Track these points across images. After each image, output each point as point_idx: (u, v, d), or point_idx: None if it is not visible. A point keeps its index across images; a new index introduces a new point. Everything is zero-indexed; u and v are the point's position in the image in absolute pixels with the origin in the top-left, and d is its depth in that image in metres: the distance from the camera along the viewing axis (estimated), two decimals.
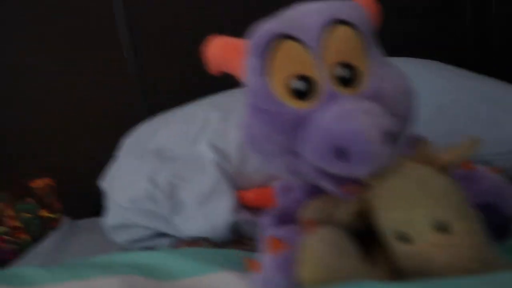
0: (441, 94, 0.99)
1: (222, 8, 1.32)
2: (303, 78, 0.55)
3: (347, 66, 0.56)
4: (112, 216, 0.92)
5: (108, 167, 1.18)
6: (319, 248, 0.51)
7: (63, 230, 1.21)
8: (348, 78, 0.56)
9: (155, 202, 0.86)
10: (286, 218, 0.63)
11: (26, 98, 1.35)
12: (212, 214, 0.82)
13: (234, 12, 1.30)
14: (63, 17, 1.31)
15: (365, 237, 0.56)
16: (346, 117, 0.51)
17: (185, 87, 1.35)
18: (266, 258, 0.55)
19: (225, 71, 0.67)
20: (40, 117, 1.34)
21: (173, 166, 0.89)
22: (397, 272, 0.55)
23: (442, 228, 0.51)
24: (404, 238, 0.52)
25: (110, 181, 0.99)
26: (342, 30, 0.56)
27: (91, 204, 1.38)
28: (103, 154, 1.30)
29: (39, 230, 1.37)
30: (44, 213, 1.39)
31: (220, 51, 0.66)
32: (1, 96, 1.33)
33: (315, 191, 0.61)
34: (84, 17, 1.32)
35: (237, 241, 0.82)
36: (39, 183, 1.37)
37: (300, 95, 0.56)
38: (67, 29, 1.33)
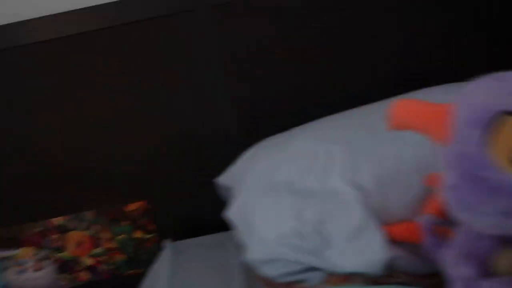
0: None
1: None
2: None
3: None
4: (258, 251, 0.95)
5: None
6: None
7: (169, 252, 1.23)
8: None
9: (303, 238, 0.90)
10: (470, 259, 0.68)
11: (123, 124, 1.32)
12: (367, 250, 0.86)
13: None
14: None
15: None
16: None
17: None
18: None
19: (407, 129, 0.71)
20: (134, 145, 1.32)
21: (315, 201, 0.93)
22: None
23: None
24: None
25: (243, 215, 1.01)
26: None
27: (180, 225, 1.41)
28: (190, 177, 1.34)
29: (133, 251, 1.41)
30: (138, 234, 1.42)
31: (409, 112, 0.70)
32: (101, 123, 1.31)
33: (507, 241, 0.66)
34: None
35: (388, 275, 0.87)
36: (134, 206, 1.40)
37: None
38: None
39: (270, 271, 0.92)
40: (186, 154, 1.33)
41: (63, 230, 1.36)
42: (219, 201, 1.33)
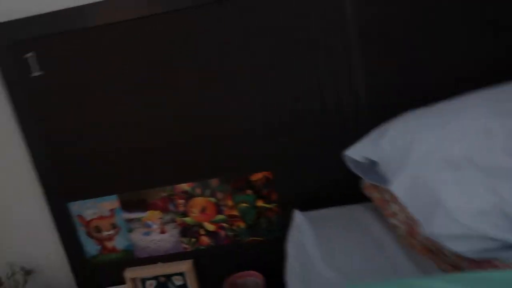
0: None
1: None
2: None
3: None
4: (446, 226, 0.94)
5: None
6: None
7: (304, 221, 1.22)
8: None
9: (507, 216, 0.88)
10: None
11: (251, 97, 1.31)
12: None
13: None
14: None
15: None
16: None
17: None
18: None
19: None
20: (261, 118, 1.31)
21: (508, 179, 0.90)
22: None
23: None
24: None
25: (418, 189, 0.99)
26: None
27: (301, 196, 1.43)
28: (313, 150, 1.35)
29: (254, 219, 1.44)
30: (260, 203, 1.45)
31: None
32: (216, 99, 1.32)
33: None
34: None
35: None
36: (257, 176, 1.42)
37: None
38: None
39: (460, 246, 0.90)
40: (310, 127, 1.34)
41: (188, 196, 1.41)
42: (340, 175, 1.34)
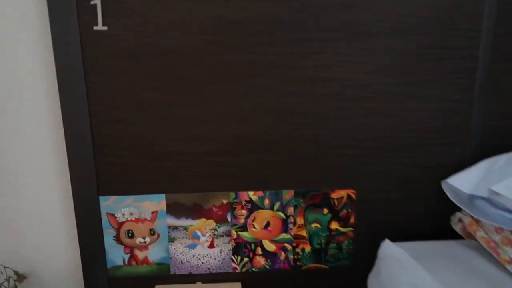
0: None
1: None
2: None
3: None
4: None
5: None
6: None
7: (397, 255, 1.03)
8: None
9: None
10: None
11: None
12: None
13: None
14: None
15: None
16: None
17: None
18: None
19: None
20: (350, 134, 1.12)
21: None
22: None
23: None
24: None
25: None
26: None
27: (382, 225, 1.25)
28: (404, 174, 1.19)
29: (323, 243, 1.22)
30: (335, 226, 1.23)
31: None
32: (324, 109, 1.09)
33: None
34: None
35: None
36: (340, 193, 1.21)
37: None
38: None
39: None
40: (404, 150, 1.17)
41: (253, 207, 1.17)
42: (432, 207, 1.19)
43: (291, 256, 1.21)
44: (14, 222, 1.18)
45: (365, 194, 1.18)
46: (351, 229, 1.20)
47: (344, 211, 1.18)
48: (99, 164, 1.10)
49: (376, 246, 1.08)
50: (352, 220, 1.19)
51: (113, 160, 1.10)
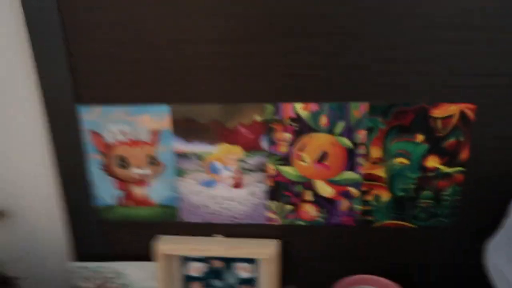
0: None
1: None
2: None
3: None
4: None
5: None
6: None
7: None
8: None
9: None
10: None
11: None
12: None
13: None
14: None
15: None
16: None
17: None
18: None
19: None
20: None
21: None
22: None
23: None
24: None
25: None
26: None
27: None
28: None
29: (410, 189, 0.81)
30: (433, 163, 0.80)
31: None
32: None
33: None
34: None
35: None
36: (447, 110, 0.75)
37: None
38: None
39: None
40: None
41: (302, 128, 0.77)
42: None
43: (357, 207, 0.80)
44: None
45: (490, 112, 0.72)
46: (461, 169, 0.76)
47: (452, 140, 0.74)
48: (76, 59, 0.74)
49: (502, 199, 0.65)
50: (464, 155, 0.75)
51: (95, 54, 0.75)
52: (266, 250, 0.81)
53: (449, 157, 0.75)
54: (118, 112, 0.77)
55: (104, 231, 0.86)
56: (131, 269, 0.86)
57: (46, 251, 0.92)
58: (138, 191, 0.83)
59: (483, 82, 0.70)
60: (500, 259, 0.63)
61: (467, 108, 0.71)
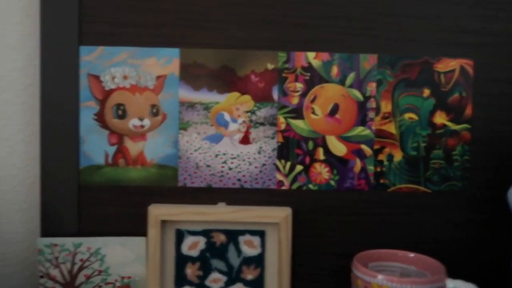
0: None
1: None
2: None
3: None
4: None
5: None
6: None
7: None
8: None
9: None
10: None
11: None
12: None
13: None
14: None
15: None
16: None
17: None
18: None
19: None
20: None
21: None
22: None
23: None
24: None
25: None
26: None
27: None
28: None
29: (421, 147, 0.78)
30: (441, 119, 0.78)
31: None
32: None
33: None
34: None
35: None
36: (449, 65, 0.74)
37: None
38: None
39: None
40: None
41: (313, 78, 0.75)
42: None
43: (370, 168, 0.77)
44: None
45: (487, 67, 0.76)
46: (467, 126, 0.77)
47: (456, 95, 0.76)
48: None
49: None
50: (468, 111, 0.77)
51: None
52: (279, 214, 0.71)
53: (455, 114, 0.76)
54: (121, 53, 0.73)
55: (85, 199, 0.74)
56: (112, 247, 0.72)
57: (10, 228, 0.76)
58: (133, 147, 0.74)
59: (482, 38, 0.76)
60: None
61: (466, 64, 0.76)
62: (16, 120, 0.77)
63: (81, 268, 0.71)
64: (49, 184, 0.72)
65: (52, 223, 0.73)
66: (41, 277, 0.71)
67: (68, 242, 0.71)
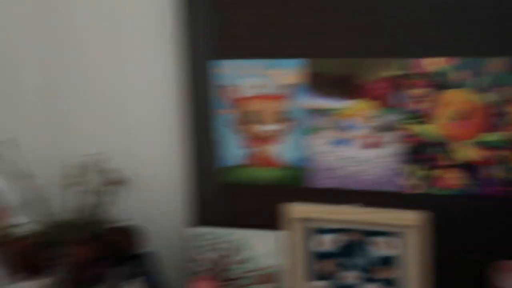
0: None
1: None
2: None
3: None
4: None
5: None
6: None
7: None
8: None
9: None
10: None
11: None
12: None
13: None
14: None
15: None
16: None
17: None
18: None
19: None
20: None
21: None
22: None
23: None
24: None
25: None
26: None
27: None
28: None
29: None
30: None
31: None
32: None
33: None
34: None
35: None
36: None
37: None
38: None
39: None
40: None
41: (435, 84, 0.74)
42: None
43: (503, 174, 0.74)
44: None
45: None
46: None
47: None
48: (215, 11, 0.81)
49: None
50: None
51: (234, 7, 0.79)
52: (416, 217, 0.73)
53: None
54: (251, 65, 0.81)
55: (227, 196, 0.84)
56: (254, 239, 0.80)
57: (165, 220, 0.90)
58: (265, 149, 0.82)
59: None
60: None
61: None
62: (170, 125, 0.89)
63: (225, 256, 0.82)
64: (201, 181, 0.85)
65: (202, 215, 0.85)
66: (191, 261, 0.83)
67: (215, 232, 0.82)
